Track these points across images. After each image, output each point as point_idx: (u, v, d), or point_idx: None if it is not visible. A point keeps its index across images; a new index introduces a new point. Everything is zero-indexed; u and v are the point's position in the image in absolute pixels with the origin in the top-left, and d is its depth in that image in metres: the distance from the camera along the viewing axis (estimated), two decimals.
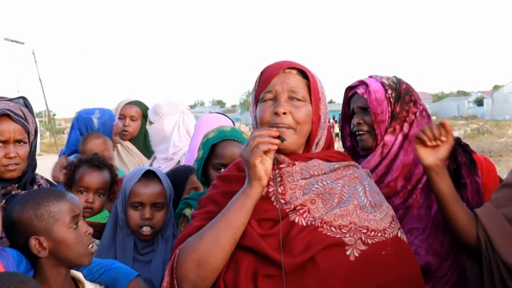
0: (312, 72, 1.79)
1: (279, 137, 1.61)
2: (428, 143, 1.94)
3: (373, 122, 2.21)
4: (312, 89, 1.74)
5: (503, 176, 2.21)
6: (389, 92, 2.22)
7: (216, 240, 1.61)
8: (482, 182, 2.20)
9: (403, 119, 2.21)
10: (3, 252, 1.74)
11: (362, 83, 2.28)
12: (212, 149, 2.35)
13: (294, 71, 1.76)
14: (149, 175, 2.33)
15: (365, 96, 2.23)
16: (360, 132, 2.27)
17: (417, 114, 2.23)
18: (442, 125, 1.93)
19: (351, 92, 2.34)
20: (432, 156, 1.95)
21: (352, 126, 2.32)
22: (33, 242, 1.76)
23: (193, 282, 1.62)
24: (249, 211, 1.62)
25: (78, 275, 1.89)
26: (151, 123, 3.66)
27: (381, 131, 2.21)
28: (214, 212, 1.72)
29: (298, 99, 1.72)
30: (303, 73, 1.76)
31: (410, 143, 2.19)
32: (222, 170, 2.28)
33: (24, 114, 2.18)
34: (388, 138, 2.21)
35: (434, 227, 2.15)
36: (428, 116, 2.28)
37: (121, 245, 2.28)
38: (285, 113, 1.69)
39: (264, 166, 1.59)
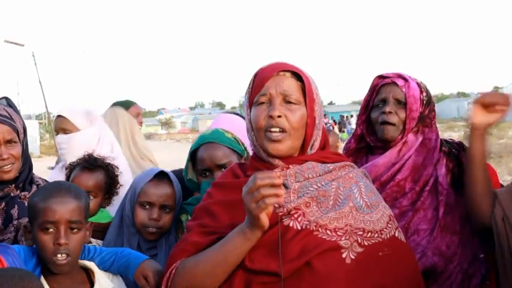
0: (306, 73, 1.76)
1: (283, 185, 1.51)
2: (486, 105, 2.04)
3: (407, 116, 2.23)
4: (307, 91, 1.72)
5: (504, 177, 2.23)
6: (424, 94, 2.27)
7: (212, 273, 1.63)
8: None
9: (427, 122, 2.27)
10: (7, 249, 1.73)
11: (399, 76, 2.30)
12: (194, 156, 2.36)
13: (288, 74, 1.73)
14: (161, 176, 2.33)
15: (403, 89, 2.25)
16: (388, 122, 2.26)
17: (433, 122, 2.30)
18: (505, 96, 2.05)
19: (383, 81, 2.33)
20: (482, 117, 2.07)
21: (379, 113, 2.29)
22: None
23: None
24: (246, 251, 1.61)
25: (91, 265, 1.89)
26: (66, 132, 3.02)
27: (410, 127, 2.24)
28: (209, 226, 1.71)
29: (293, 102, 1.70)
30: (297, 75, 1.74)
31: (423, 145, 2.24)
32: (207, 174, 2.29)
33: (9, 114, 2.17)
34: (411, 137, 2.25)
35: (441, 229, 2.17)
36: (435, 125, 2.34)
37: (126, 244, 2.26)
38: (279, 116, 1.68)
39: (266, 211, 1.53)
